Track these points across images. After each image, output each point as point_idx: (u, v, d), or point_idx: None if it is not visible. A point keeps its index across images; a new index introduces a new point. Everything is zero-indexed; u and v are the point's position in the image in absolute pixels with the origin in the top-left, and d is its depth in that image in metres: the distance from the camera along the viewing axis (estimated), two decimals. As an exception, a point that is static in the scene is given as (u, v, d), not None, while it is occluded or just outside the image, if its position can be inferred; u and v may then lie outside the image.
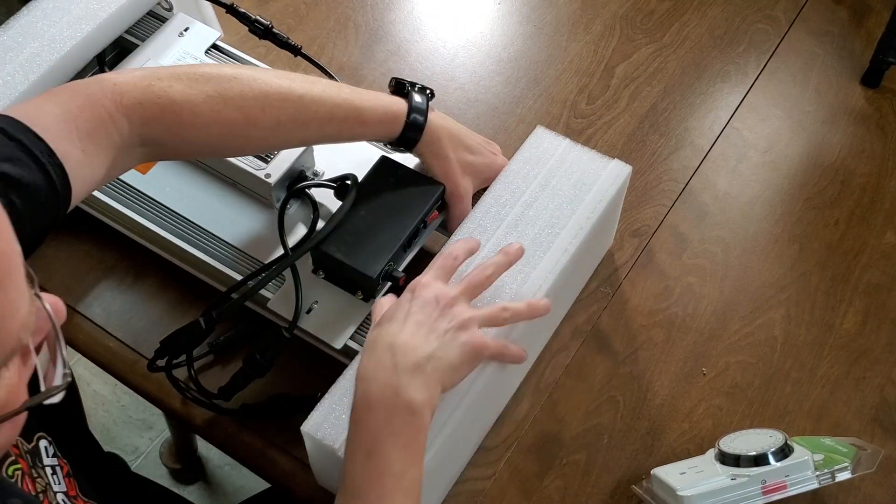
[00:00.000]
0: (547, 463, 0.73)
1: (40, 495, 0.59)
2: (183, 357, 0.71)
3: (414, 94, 0.71)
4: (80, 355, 0.78)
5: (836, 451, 0.68)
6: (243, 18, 0.80)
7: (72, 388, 1.04)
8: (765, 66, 1.00)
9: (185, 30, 0.82)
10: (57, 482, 0.63)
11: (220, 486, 1.45)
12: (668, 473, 0.68)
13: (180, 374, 0.72)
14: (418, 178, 0.73)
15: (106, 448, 0.94)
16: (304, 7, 1.01)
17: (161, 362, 0.71)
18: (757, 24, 1.03)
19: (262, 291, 0.70)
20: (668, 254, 0.85)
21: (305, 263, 0.71)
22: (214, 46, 0.83)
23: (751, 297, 0.83)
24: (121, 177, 0.77)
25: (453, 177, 0.73)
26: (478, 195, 0.75)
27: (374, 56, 0.97)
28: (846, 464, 0.65)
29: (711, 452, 0.71)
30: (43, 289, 0.42)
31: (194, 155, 0.74)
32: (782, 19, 1.04)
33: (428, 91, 0.73)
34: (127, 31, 0.82)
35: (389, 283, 0.70)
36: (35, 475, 0.59)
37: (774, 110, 0.96)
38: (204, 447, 1.45)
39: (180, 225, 0.76)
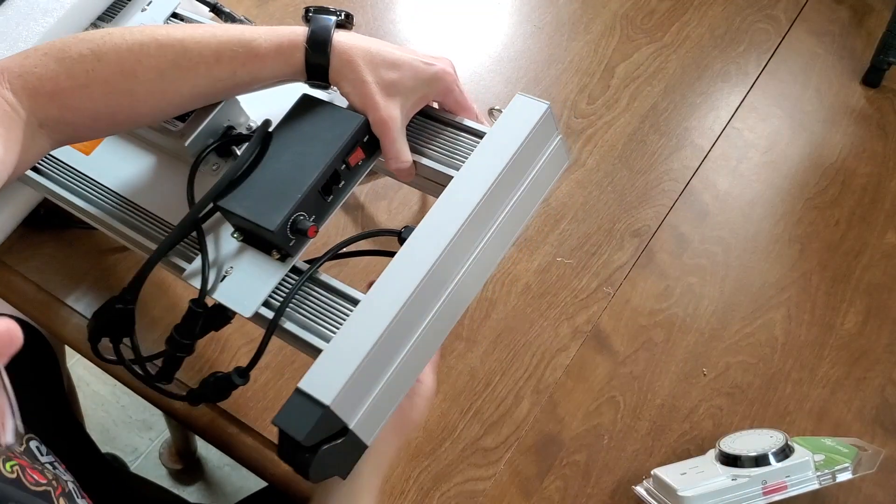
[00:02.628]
0: (547, 463, 0.73)
1: (53, 482, 0.59)
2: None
3: (316, 16, 0.61)
4: (79, 356, 0.78)
5: (836, 452, 0.68)
6: None
7: (69, 391, 1.04)
8: (765, 65, 1.00)
9: (148, 4, 0.79)
10: (63, 473, 0.63)
11: (220, 487, 1.45)
12: (669, 474, 0.68)
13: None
14: (340, 114, 0.62)
15: (105, 449, 0.94)
16: (305, 7, 1.01)
17: (111, 355, 0.63)
18: (757, 23, 1.03)
19: (180, 262, 0.63)
20: (668, 254, 0.85)
21: (227, 228, 0.63)
22: (175, 15, 0.78)
23: (751, 298, 0.83)
24: (67, 162, 0.71)
25: (372, 101, 0.60)
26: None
27: (374, 56, 0.97)
28: (847, 464, 0.64)
29: (712, 453, 0.71)
30: None
31: (95, 127, 0.64)
32: (783, 19, 1.04)
33: (339, 13, 0.63)
34: (99, 18, 0.81)
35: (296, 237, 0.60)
36: (40, 468, 0.59)
37: (775, 110, 0.96)
38: (204, 447, 1.45)
39: (119, 205, 0.69)
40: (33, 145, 0.59)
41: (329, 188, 0.60)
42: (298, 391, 0.50)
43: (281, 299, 0.59)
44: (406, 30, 1.00)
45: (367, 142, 0.62)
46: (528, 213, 0.61)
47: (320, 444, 0.50)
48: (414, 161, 0.62)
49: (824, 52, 1.01)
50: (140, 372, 0.62)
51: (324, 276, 0.59)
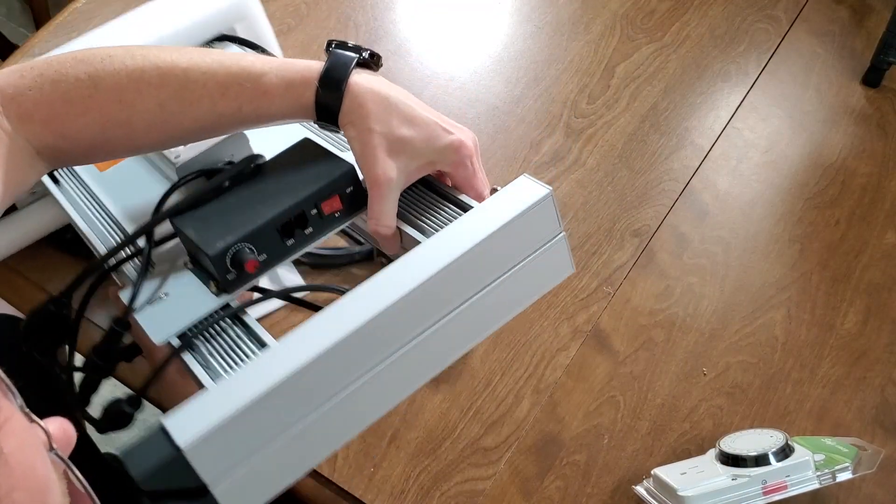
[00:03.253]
0: (547, 463, 0.73)
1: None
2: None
3: (337, 50, 0.55)
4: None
5: (836, 452, 0.68)
6: None
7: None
8: (765, 65, 1.00)
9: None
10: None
11: (220, 487, 1.44)
12: (669, 474, 0.68)
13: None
14: (331, 160, 0.57)
15: (105, 449, 0.94)
16: (305, 6, 1.01)
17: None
18: (758, 23, 1.03)
19: (132, 276, 0.59)
20: (668, 254, 0.85)
21: (184, 256, 0.60)
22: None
23: (751, 297, 0.83)
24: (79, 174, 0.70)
25: (371, 153, 0.54)
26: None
27: (374, 56, 0.97)
28: (847, 464, 0.64)
29: (712, 452, 0.71)
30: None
31: (91, 156, 0.60)
32: (783, 19, 1.04)
33: (365, 52, 0.56)
34: None
35: (238, 272, 0.55)
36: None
37: (775, 110, 0.96)
38: (204, 447, 1.45)
39: (109, 224, 0.66)
40: (31, 172, 0.56)
41: (292, 230, 0.55)
42: (161, 427, 0.42)
43: (206, 334, 0.54)
44: (406, 30, 1.00)
45: (351, 193, 0.56)
46: (509, 310, 0.53)
47: (165, 496, 0.42)
48: (400, 231, 0.56)
49: (824, 52, 1.01)
50: (65, 383, 0.58)
51: (249, 320, 0.54)
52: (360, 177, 0.56)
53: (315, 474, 0.70)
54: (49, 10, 1.87)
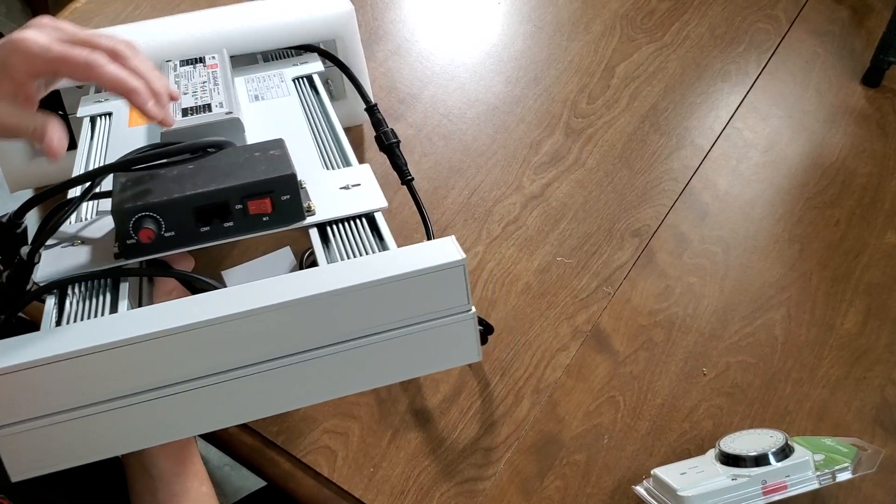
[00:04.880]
0: (547, 463, 0.73)
1: None
2: None
3: None
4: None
5: (836, 452, 0.68)
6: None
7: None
8: (765, 65, 1.00)
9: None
10: None
11: (220, 486, 1.45)
12: (669, 474, 0.68)
13: None
14: (283, 164, 0.55)
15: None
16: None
17: None
18: (757, 23, 1.03)
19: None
20: (668, 254, 0.85)
21: None
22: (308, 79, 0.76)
23: (751, 297, 0.83)
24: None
25: None
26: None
27: (374, 56, 0.97)
28: (847, 464, 0.64)
29: (712, 452, 0.71)
30: None
31: None
32: (783, 19, 1.04)
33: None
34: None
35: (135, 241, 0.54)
36: None
37: (775, 110, 0.96)
38: (203, 447, 1.45)
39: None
40: None
41: (209, 218, 0.54)
42: None
43: (81, 287, 0.53)
44: (405, 30, 1.00)
45: (287, 202, 0.54)
46: (389, 373, 0.50)
47: None
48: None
49: (824, 52, 1.01)
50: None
51: (123, 288, 0.53)
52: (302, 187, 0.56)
53: (315, 474, 0.70)
54: (49, 10, 1.88)
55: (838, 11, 1.05)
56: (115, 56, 0.53)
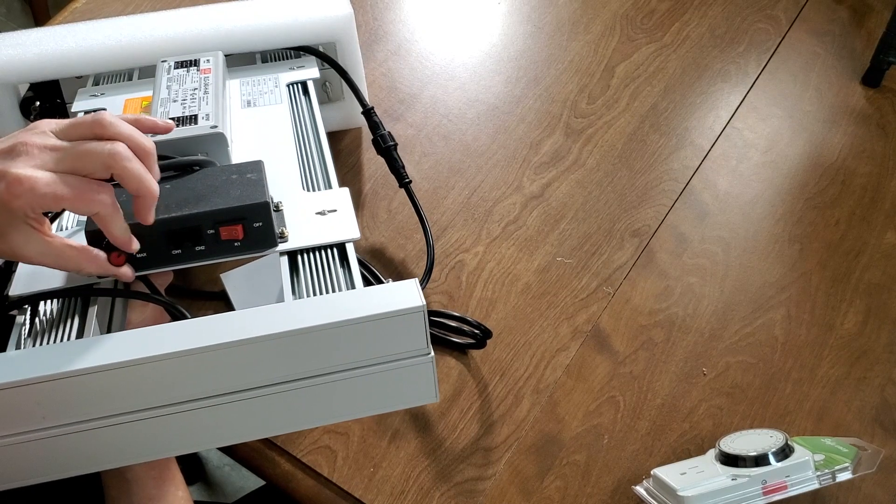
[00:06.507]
0: (547, 463, 0.73)
1: None
2: None
3: None
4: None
5: (836, 452, 0.68)
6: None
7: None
8: (765, 65, 1.00)
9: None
10: None
11: (220, 486, 1.45)
12: (669, 474, 0.68)
13: None
14: (257, 190, 0.55)
15: None
16: (304, 7, 1.01)
17: None
18: (757, 23, 1.03)
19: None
20: (668, 254, 0.85)
21: None
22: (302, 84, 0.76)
23: (751, 297, 0.83)
24: None
25: None
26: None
27: (373, 56, 0.97)
28: (847, 464, 0.64)
29: (712, 453, 0.71)
30: None
31: None
32: (783, 19, 1.04)
33: None
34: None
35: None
36: None
37: (775, 110, 0.96)
38: (204, 447, 1.45)
39: None
40: None
41: (181, 242, 0.54)
42: None
43: (53, 304, 0.54)
44: (405, 30, 1.00)
45: (259, 230, 0.55)
46: (347, 410, 0.51)
47: None
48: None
49: (824, 52, 1.01)
50: None
51: (92, 310, 0.53)
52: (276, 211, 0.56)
53: (315, 474, 0.70)
54: (49, 10, 1.87)
55: (838, 11, 1.05)
56: (112, 163, 0.48)
